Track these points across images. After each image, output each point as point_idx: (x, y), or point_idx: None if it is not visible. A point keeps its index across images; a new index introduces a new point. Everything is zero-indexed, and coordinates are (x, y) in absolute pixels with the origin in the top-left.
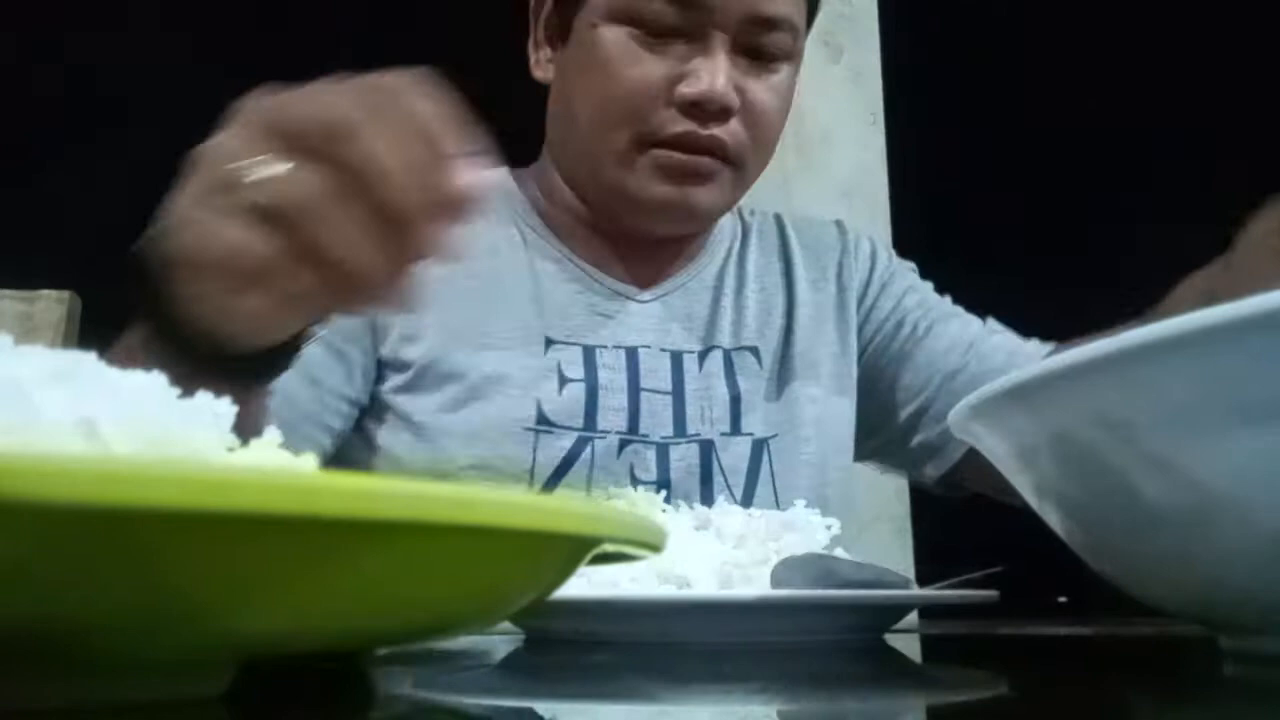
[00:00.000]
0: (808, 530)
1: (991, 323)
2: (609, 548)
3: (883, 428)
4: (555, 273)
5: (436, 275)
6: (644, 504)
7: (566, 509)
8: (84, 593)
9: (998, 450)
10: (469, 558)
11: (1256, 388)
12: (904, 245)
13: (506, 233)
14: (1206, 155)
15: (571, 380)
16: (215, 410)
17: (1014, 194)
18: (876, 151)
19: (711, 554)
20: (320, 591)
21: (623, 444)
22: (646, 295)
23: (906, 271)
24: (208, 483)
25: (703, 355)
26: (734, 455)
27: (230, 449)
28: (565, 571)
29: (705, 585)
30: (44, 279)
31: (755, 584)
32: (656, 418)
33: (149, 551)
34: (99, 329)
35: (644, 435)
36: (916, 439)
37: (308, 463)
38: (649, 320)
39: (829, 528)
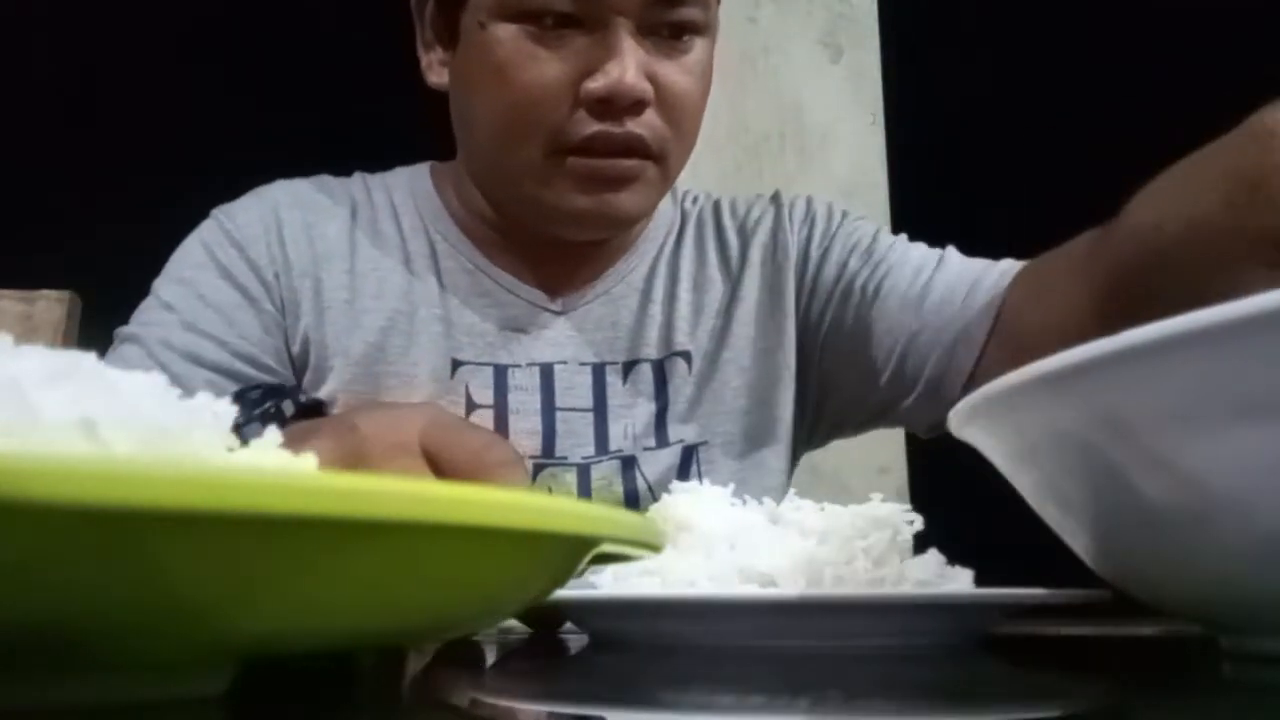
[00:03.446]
0: (893, 526)
1: (949, 256)
2: (609, 548)
3: (862, 401)
4: (467, 286)
5: (343, 298)
6: (711, 498)
7: (566, 509)
8: (84, 593)
9: (998, 450)
10: (469, 558)
11: (1256, 388)
12: None
13: (418, 245)
14: None
15: (480, 406)
16: (215, 410)
17: (1014, 194)
18: (876, 151)
19: (795, 551)
20: (320, 591)
21: (538, 468)
22: (565, 306)
23: (851, 225)
24: (208, 483)
25: (628, 368)
26: (660, 467)
27: (230, 449)
28: (565, 571)
29: (792, 584)
30: (44, 279)
31: (847, 584)
32: (576, 437)
33: (149, 551)
34: (99, 329)
35: (562, 457)
36: (903, 405)
37: (308, 463)
38: (567, 333)
39: (911, 523)
